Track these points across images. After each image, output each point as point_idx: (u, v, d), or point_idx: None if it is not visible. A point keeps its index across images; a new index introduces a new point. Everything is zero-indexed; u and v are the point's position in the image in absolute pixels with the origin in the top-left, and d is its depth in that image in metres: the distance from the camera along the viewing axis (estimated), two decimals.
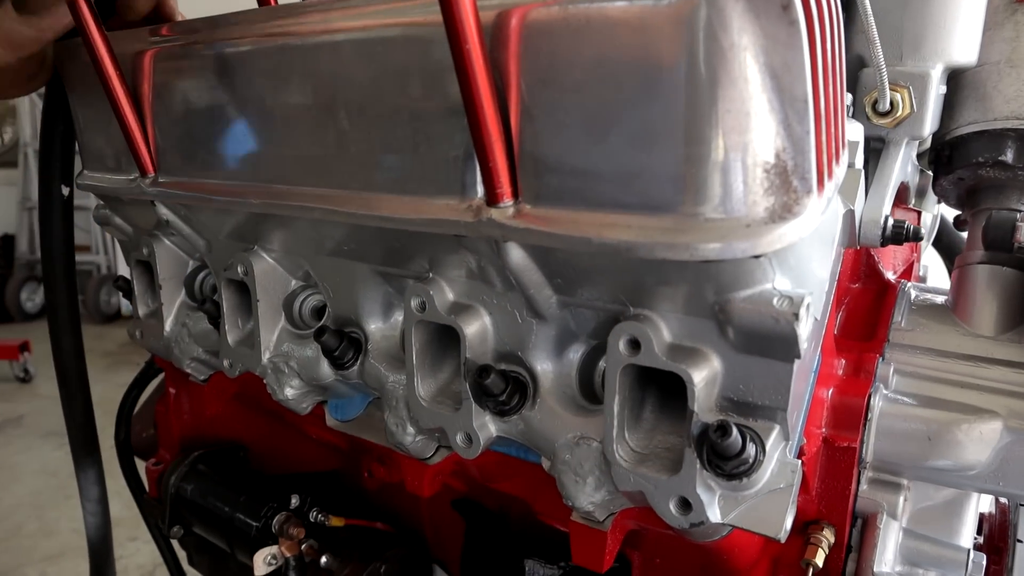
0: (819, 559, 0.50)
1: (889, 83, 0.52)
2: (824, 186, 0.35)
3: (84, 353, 0.75)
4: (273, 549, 0.68)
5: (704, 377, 0.38)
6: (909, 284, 0.64)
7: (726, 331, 0.38)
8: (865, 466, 0.53)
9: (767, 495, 0.40)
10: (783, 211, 0.33)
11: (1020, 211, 0.59)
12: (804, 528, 0.52)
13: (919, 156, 0.67)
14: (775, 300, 0.35)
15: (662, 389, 0.43)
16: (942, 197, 0.66)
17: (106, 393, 1.45)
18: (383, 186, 0.44)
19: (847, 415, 0.50)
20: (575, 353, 0.46)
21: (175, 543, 0.88)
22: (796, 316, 0.34)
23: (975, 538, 0.63)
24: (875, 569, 0.52)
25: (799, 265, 0.36)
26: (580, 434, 0.44)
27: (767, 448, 0.39)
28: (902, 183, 0.59)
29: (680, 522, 0.40)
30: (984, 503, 0.67)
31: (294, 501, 0.71)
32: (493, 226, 0.39)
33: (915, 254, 0.79)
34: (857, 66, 0.57)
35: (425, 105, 0.41)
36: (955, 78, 0.63)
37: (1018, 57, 0.60)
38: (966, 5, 0.55)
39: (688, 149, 0.33)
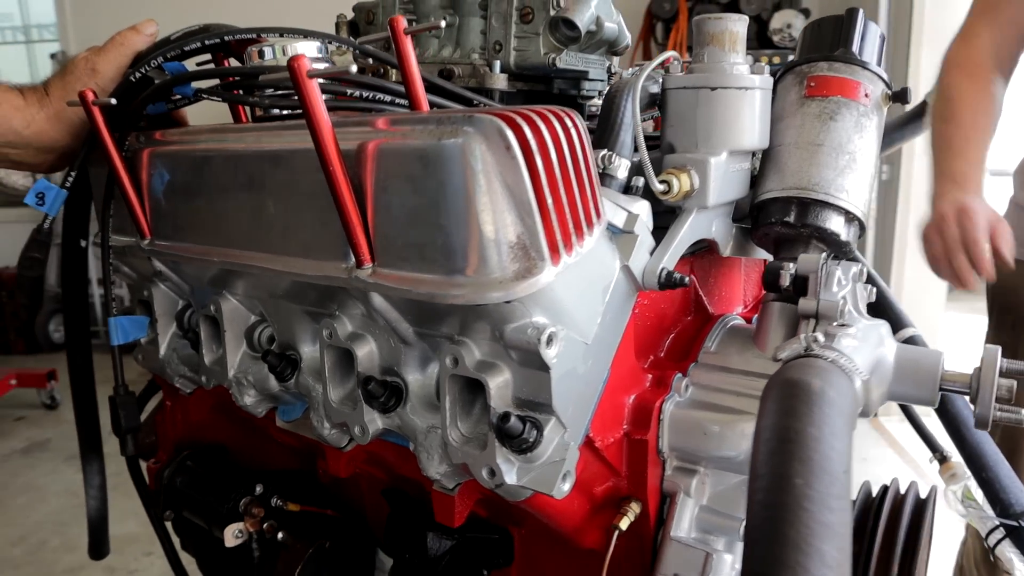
0: (624, 524, 0.67)
1: (677, 167, 0.70)
2: (560, 256, 0.53)
3: (93, 371, 0.96)
4: (240, 525, 0.87)
5: (498, 383, 0.57)
6: (730, 316, 0.82)
7: (509, 352, 0.56)
8: (664, 456, 0.70)
9: (548, 465, 0.58)
10: (525, 272, 0.52)
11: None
12: (619, 503, 0.70)
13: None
14: (528, 330, 0.53)
15: None
16: (761, 247, 0.84)
17: None
18: (296, 252, 0.64)
19: (642, 416, 0.68)
20: (432, 368, 0.64)
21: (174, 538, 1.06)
22: (539, 341, 0.52)
23: None
24: (672, 534, 0.69)
25: (554, 306, 0.55)
26: (433, 424, 0.63)
27: (545, 433, 0.57)
28: (708, 240, 0.77)
29: (490, 484, 0.58)
30: None
31: (258, 489, 0.90)
32: (359, 282, 0.58)
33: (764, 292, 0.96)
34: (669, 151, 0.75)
35: (317, 200, 0.60)
36: (766, 154, 0.81)
37: (802, 140, 0.78)
38: (747, 106, 0.73)
39: (465, 234, 0.52)
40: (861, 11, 0.83)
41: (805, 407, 0.50)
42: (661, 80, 0.75)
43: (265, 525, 0.89)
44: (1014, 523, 0.97)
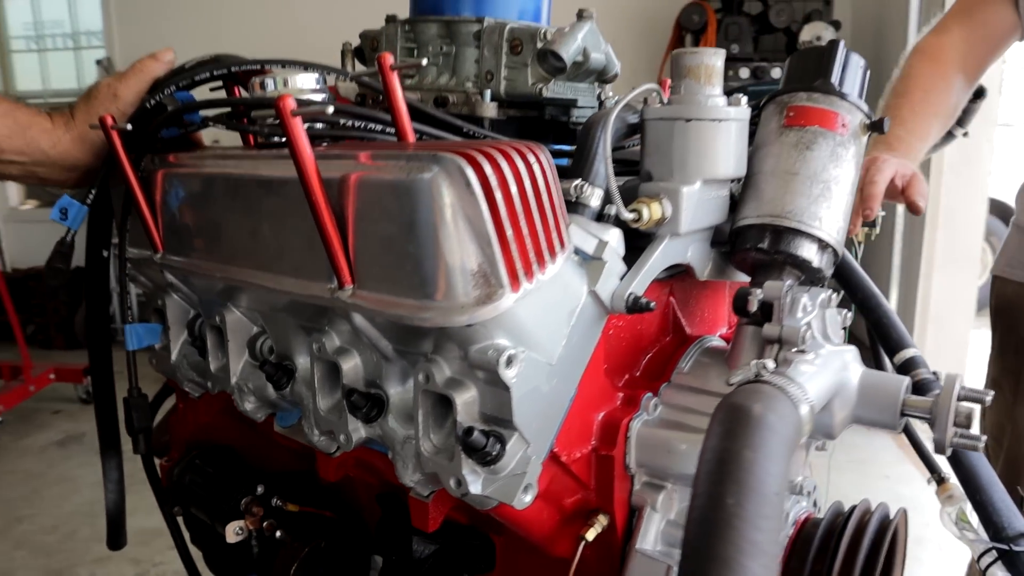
0: (590, 535, 0.70)
1: (649, 195, 0.74)
2: (520, 283, 0.57)
3: (113, 372, 1.02)
4: (241, 523, 0.92)
5: (465, 399, 0.61)
6: (709, 338, 0.85)
7: (475, 370, 0.60)
8: (632, 471, 0.73)
9: (511, 477, 0.62)
10: (485, 299, 0.56)
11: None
12: (587, 515, 0.73)
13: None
14: (490, 352, 0.57)
15: None
16: (740, 271, 0.87)
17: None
18: (287, 271, 0.69)
19: (609, 433, 0.71)
20: (411, 382, 0.69)
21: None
22: (499, 362, 0.56)
23: None
24: (637, 547, 0.72)
25: (515, 329, 0.59)
26: (410, 435, 0.67)
27: (508, 447, 0.61)
28: (685, 265, 0.80)
29: (456, 493, 0.62)
30: None
31: (259, 489, 0.95)
32: (340, 302, 0.63)
33: None
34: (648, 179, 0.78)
35: (305, 225, 0.65)
36: (746, 181, 0.84)
37: (780, 168, 0.81)
38: (722, 137, 0.76)
39: (434, 262, 0.56)
40: (842, 42, 0.85)
41: (744, 431, 0.53)
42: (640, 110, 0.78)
43: (265, 524, 0.94)
44: (1006, 547, 0.98)
